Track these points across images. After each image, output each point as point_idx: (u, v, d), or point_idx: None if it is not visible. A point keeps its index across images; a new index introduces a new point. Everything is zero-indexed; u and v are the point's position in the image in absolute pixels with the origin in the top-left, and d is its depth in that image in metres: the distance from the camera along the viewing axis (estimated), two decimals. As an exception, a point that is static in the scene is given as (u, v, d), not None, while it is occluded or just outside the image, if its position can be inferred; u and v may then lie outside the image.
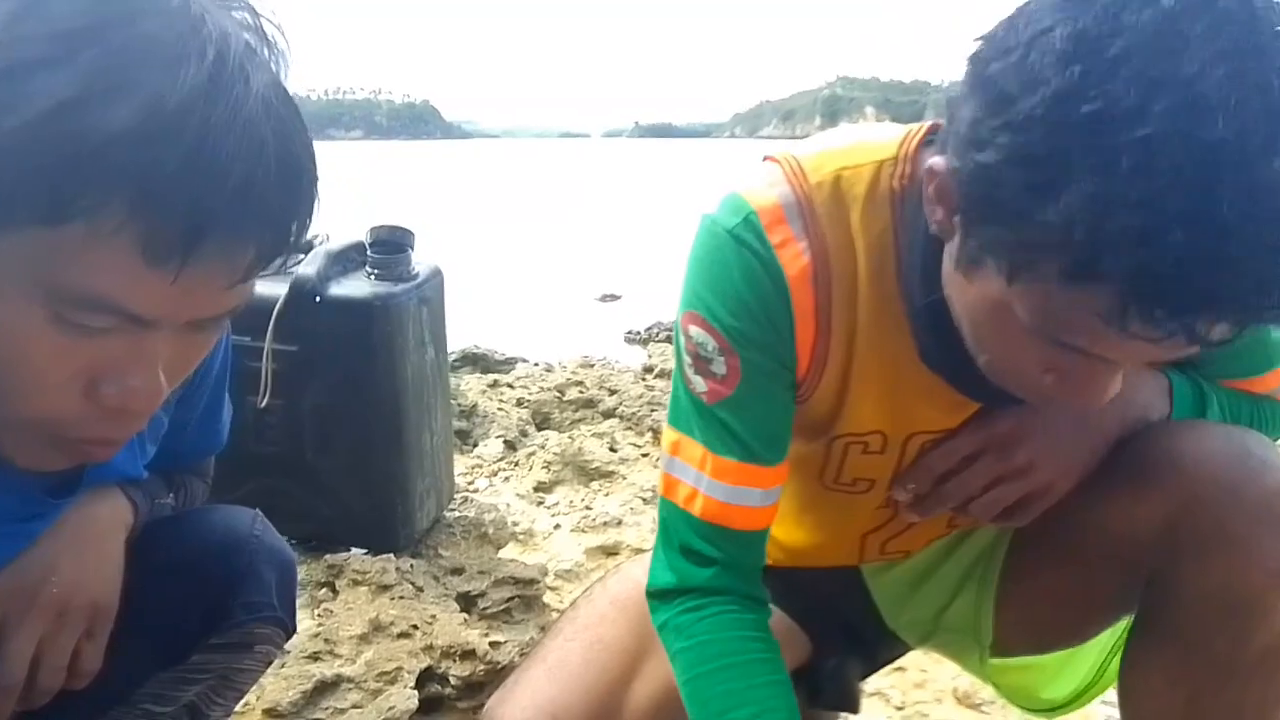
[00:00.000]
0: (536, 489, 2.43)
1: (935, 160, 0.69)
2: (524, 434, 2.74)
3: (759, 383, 0.85)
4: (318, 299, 1.43)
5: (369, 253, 1.49)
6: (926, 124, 0.82)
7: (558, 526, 2.25)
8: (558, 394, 3.02)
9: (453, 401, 2.68)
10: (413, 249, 1.52)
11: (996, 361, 0.74)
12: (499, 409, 2.82)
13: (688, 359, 0.87)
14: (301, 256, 1.46)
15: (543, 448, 2.59)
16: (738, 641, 0.89)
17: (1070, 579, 0.95)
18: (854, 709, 1.24)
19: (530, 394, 2.99)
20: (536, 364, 3.28)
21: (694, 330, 0.85)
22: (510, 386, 3.05)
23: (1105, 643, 1.03)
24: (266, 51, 0.53)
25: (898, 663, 1.73)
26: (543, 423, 2.90)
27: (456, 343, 3.42)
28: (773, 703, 0.87)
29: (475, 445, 2.62)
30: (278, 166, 0.51)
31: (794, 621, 1.09)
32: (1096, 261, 0.57)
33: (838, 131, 0.88)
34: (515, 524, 2.20)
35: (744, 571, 0.92)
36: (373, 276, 1.47)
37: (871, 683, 1.67)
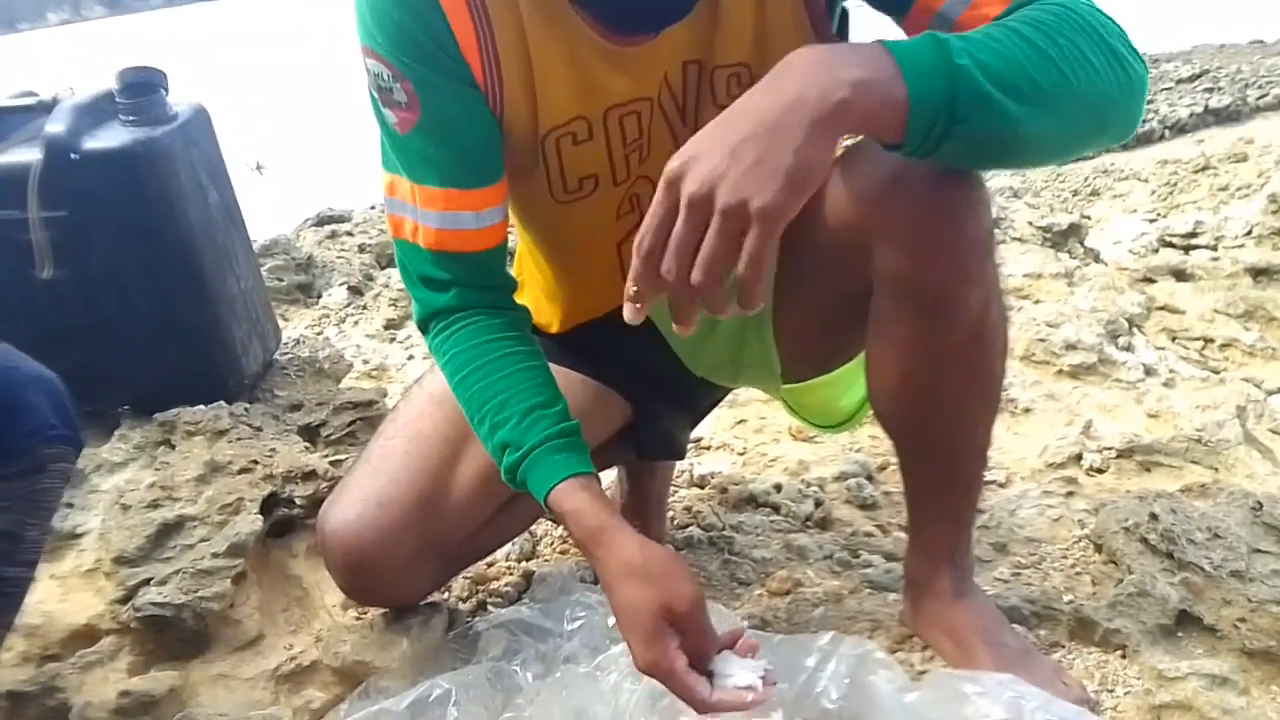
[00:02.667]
0: (387, 326, 2.43)
1: None
2: (369, 277, 2.71)
3: (440, 103, 0.87)
4: (73, 156, 1.37)
5: (119, 99, 1.42)
6: None
7: (410, 357, 2.28)
8: (399, 234, 2.98)
9: (288, 256, 2.63)
10: (166, 89, 1.45)
11: None
12: (339, 257, 2.77)
13: (375, 94, 0.90)
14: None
15: (388, 286, 2.58)
16: (485, 345, 0.95)
17: (819, 301, 1.02)
18: (679, 456, 1.34)
19: (371, 238, 2.94)
20: (374, 207, 3.20)
21: (370, 63, 0.88)
22: (350, 234, 2.99)
23: None
24: None
25: (739, 414, 1.86)
26: (388, 263, 2.86)
27: (310, 209, 3.31)
28: (522, 384, 0.93)
29: (319, 296, 2.58)
30: None
31: (606, 386, 1.16)
32: None
33: None
34: (366, 361, 2.22)
35: (482, 287, 0.97)
36: (128, 124, 1.41)
37: (716, 436, 1.79)
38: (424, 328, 0.98)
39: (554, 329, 1.14)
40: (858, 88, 0.65)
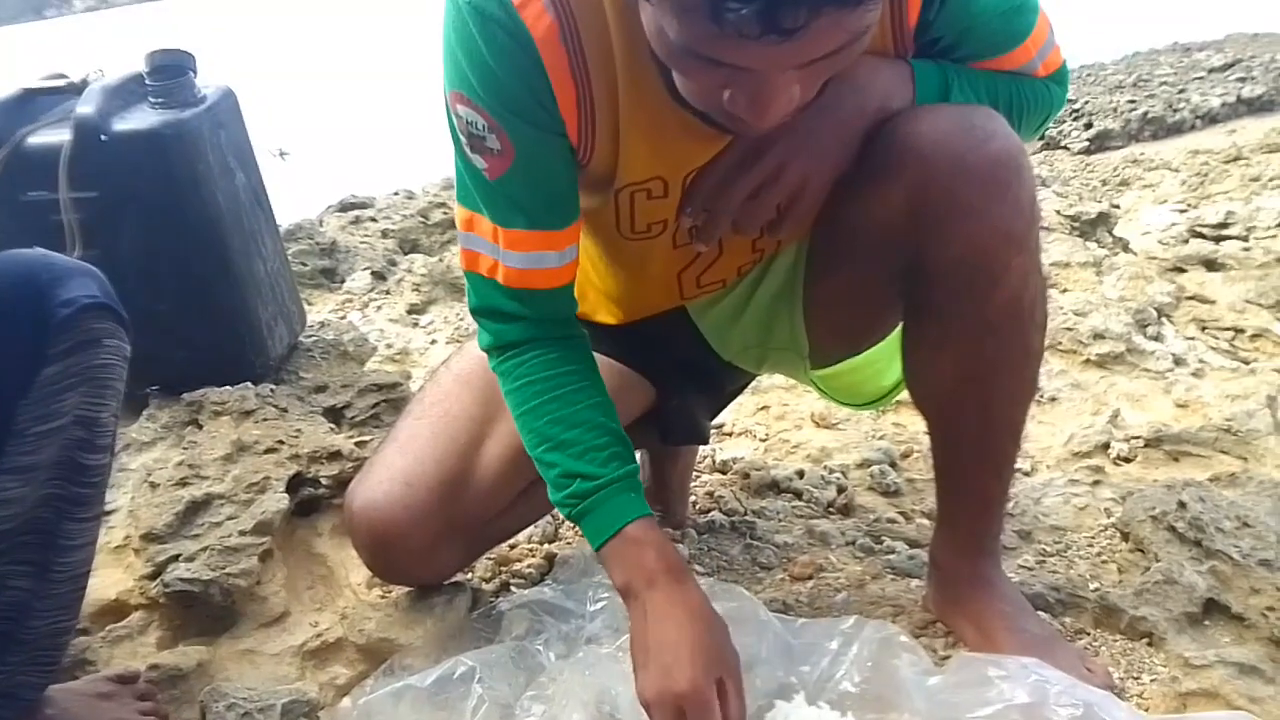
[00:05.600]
0: (410, 311, 2.44)
1: None
2: (392, 263, 2.71)
3: (533, 153, 0.87)
4: (103, 137, 1.38)
5: (148, 82, 1.43)
6: None
7: (433, 342, 2.29)
8: (422, 219, 2.98)
9: (312, 241, 2.64)
10: (195, 72, 1.46)
11: (687, 86, 0.76)
12: (362, 243, 2.78)
13: (463, 138, 0.89)
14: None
15: (410, 271, 2.59)
16: (556, 378, 0.96)
17: (853, 278, 1.02)
18: (703, 441, 1.34)
19: (394, 224, 2.95)
20: (397, 193, 3.21)
21: (462, 110, 0.87)
22: (373, 220, 3.00)
23: None
24: None
25: (762, 400, 1.85)
26: (410, 249, 2.87)
27: (333, 196, 3.32)
28: (594, 419, 0.95)
29: (343, 281, 2.59)
30: None
31: (635, 372, 1.16)
32: None
33: None
34: (390, 345, 2.23)
35: (553, 320, 0.98)
36: (157, 106, 1.42)
37: (739, 422, 1.79)
38: (491, 353, 1.00)
39: (599, 318, 1.16)
40: (897, 99, 0.89)
